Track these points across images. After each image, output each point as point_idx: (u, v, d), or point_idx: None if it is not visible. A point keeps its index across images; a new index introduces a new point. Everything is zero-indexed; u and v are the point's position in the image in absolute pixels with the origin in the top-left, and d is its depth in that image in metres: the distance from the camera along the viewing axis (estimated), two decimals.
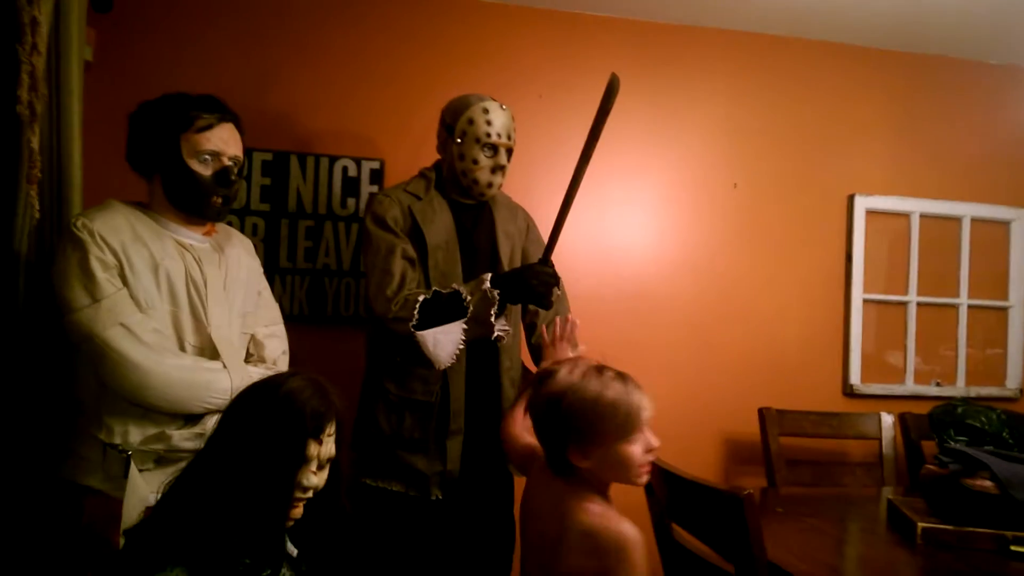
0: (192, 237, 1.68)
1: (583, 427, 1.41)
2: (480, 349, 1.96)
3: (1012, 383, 3.19)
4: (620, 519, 1.40)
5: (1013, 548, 1.74)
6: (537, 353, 2.17)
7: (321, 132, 2.57)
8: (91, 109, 1.99)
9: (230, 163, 1.66)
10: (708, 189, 2.93)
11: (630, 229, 2.86)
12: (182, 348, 1.60)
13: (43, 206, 1.75)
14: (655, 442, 1.45)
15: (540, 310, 2.13)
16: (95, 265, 1.52)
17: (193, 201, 1.64)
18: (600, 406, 1.40)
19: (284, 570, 1.24)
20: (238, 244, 1.81)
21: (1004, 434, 2.64)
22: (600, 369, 1.47)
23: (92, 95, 2.08)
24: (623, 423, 1.41)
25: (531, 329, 2.19)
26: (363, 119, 2.61)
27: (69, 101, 1.82)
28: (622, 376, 1.47)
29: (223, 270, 1.70)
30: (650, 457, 1.44)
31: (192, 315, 1.62)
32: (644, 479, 1.46)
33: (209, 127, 1.62)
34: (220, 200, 1.66)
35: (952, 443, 2.36)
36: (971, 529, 1.79)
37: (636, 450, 1.42)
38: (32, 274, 1.70)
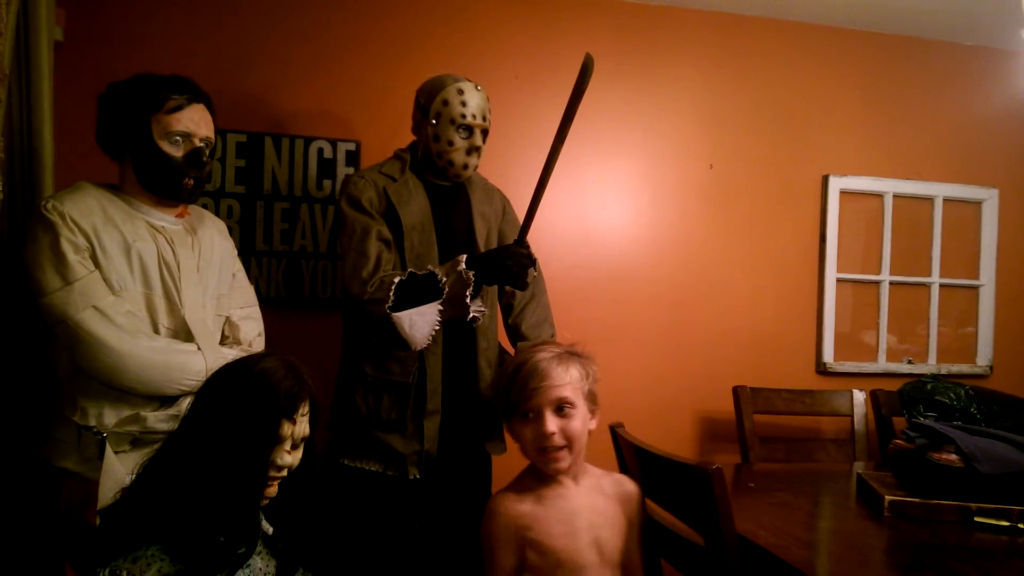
0: (164, 219, 1.68)
1: (496, 399, 1.50)
2: (456, 330, 1.96)
3: (983, 360, 3.26)
4: (506, 493, 1.47)
5: (977, 519, 1.79)
6: (514, 334, 2.19)
7: (296, 113, 2.55)
8: (62, 90, 1.97)
9: (201, 144, 1.65)
10: (684, 170, 2.95)
11: (606, 210, 2.87)
12: (156, 330, 1.60)
13: (14, 188, 1.74)
14: (547, 428, 1.40)
15: (516, 291, 2.14)
16: (66, 247, 1.52)
17: (164, 183, 1.63)
18: (504, 378, 1.46)
19: (259, 548, 1.25)
20: (211, 226, 1.80)
21: (972, 409, 2.69)
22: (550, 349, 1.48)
23: (63, 76, 2.06)
24: (511, 397, 1.44)
25: (508, 310, 2.21)
26: (339, 100, 2.59)
27: (39, 82, 1.80)
28: (550, 352, 1.44)
29: (196, 252, 1.70)
30: (543, 443, 1.40)
31: (165, 297, 1.62)
32: (548, 466, 1.43)
33: (179, 108, 1.61)
34: (192, 182, 1.65)
35: (921, 419, 2.41)
36: (937, 501, 1.83)
37: (527, 431, 1.42)
38: (2, 256, 1.68)
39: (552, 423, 1.40)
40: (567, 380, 1.42)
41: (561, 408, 1.41)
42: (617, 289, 2.86)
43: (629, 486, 1.50)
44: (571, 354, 1.47)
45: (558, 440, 1.40)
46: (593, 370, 1.48)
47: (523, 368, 1.43)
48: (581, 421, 1.43)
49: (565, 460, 1.42)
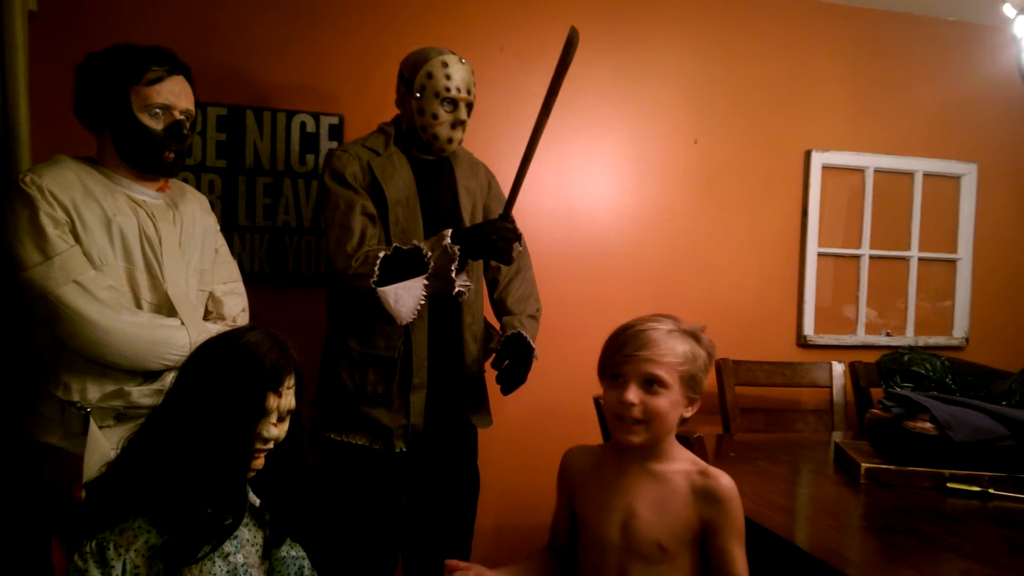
0: (145, 193, 1.66)
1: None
2: (442, 305, 1.97)
3: (959, 332, 3.32)
4: (579, 446, 1.50)
5: (949, 485, 1.84)
6: (499, 309, 2.20)
7: (278, 86, 2.52)
8: (37, 62, 1.93)
9: (182, 117, 1.63)
10: (669, 145, 2.95)
11: (591, 185, 2.87)
12: (138, 306, 1.59)
13: None
14: (628, 396, 1.30)
15: (502, 266, 2.14)
16: (45, 222, 1.50)
17: (145, 156, 1.61)
18: (610, 335, 1.39)
19: (247, 519, 1.26)
20: (193, 200, 1.78)
21: (947, 380, 2.75)
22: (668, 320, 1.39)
23: (38, 47, 2.01)
24: (606, 355, 1.36)
25: (493, 285, 2.21)
26: (321, 73, 2.56)
27: (13, 53, 1.77)
28: (665, 325, 1.34)
29: (178, 227, 1.69)
30: (621, 411, 1.31)
31: (147, 272, 1.61)
32: (619, 435, 1.34)
33: (159, 80, 1.59)
34: (172, 155, 1.63)
35: (897, 389, 2.46)
36: (911, 468, 1.88)
37: (611, 393, 1.34)
38: None
39: (634, 393, 1.30)
40: (667, 358, 1.30)
41: (650, 383, 1.30)
42: (602, 264, 2.87)
43: (722, 482, 1.34)
44: (686, 333, 1.35)
45: (636, 413, 1.30)
46: (703, 357, 1.35)
47: (626, 331, 1.34)
48: (670, 402, 1.31)
49: (639, 435, 1.32)
